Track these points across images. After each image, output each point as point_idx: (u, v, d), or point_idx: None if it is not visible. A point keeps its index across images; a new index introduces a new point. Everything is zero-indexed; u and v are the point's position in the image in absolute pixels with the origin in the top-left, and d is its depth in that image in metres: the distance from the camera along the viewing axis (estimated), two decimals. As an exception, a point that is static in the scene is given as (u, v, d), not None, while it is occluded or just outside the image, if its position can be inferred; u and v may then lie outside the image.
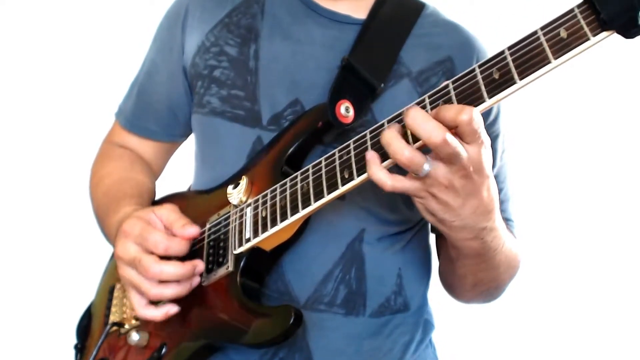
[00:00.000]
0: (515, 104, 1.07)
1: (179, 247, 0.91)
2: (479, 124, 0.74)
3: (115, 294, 1.12)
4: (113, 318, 1.09)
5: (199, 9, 1.12)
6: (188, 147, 1.18)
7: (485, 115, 1.06)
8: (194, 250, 1.01)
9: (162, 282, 0.91)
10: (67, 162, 1.90)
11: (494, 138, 1.07)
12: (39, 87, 2.19)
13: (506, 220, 1.10)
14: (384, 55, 1.04)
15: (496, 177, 1.06)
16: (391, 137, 0.75)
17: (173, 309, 0.93)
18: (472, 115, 0.73)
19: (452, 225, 0.82)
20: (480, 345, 2.12)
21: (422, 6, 1.12)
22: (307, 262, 0.99)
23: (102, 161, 1.25)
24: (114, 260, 1.23)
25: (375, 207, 1.01)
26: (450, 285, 1.10)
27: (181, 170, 1.28)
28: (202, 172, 1.13)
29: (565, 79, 1.72)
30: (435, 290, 1.13)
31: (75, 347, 1.18)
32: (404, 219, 1.04)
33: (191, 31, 1.12)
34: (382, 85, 1.01)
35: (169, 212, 0.95)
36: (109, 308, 1.12)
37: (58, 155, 2.14)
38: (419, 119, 0.73)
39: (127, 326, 1.05)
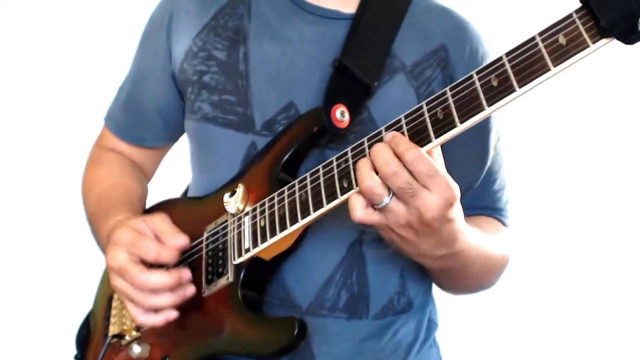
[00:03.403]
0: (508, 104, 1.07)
1: (170, 255, 0.90)
2: (431, 168, 0.76)
3: (114, 304, 1.12)
4: (113, 329, 1.08)
5: (183, 13, 1.09)
6: (185, 151, 1.16)
7: None
8: (192, 261, 1.01)
9: (154, 291, 0.90)
10: (64, 165, 1.87)
11: (487, 128, 1.06)
12: (36, 88, 2.17)
13: (499, 210, 1.10)
14: (377, 51, 1.02)
15: (491, 166, 1.07)
16: (361, 164, 0.79)
17: (172, 314, 0.91)
18: (417, 156, 0.76)
19: (411, 254, 0.85)
20: (484, 344, 2.11)
21: None
22: (307, 268, 0.98)
23: (93, 167, 1.23)
24: None
25: None
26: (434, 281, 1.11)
27: (178, 175, 1.27)
28: (198, 178, 1.12)
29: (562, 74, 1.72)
30: (438, 288, 1.12)
31: (75, 357, 1.17)
32: None
33: (177, 36, 1.09)
34: (376, 83, 1.00)
35: (159, 222, 0.94)
36: (107, 318, 1.12)
37: (55, 158, 2.12)
38: (379, 149, 0.78)
39: (127, 337, 1.05)
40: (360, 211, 0.79)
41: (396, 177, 0.76)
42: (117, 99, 1.22)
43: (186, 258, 1.02)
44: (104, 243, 1.04)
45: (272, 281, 0.98)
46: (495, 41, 1.12)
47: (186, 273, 0.92)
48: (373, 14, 1.04)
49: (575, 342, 2.13)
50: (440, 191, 0.77)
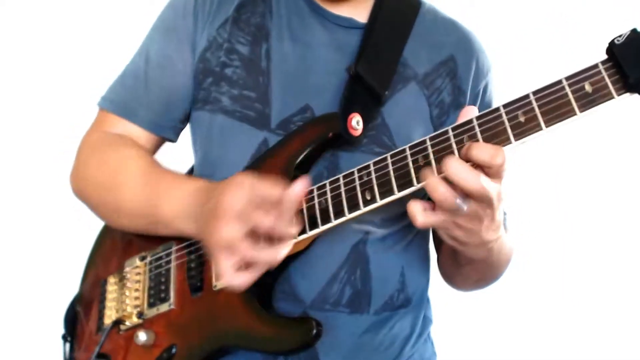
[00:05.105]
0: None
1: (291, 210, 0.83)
2: (503, 167, 0.80)
3: (110, 288, 1.12)
4: (110, 313, 1.09)
5: (209, 1, 1.10)
6: (186, 147, 1.16)
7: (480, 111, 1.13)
8: (199, 254, 1.03)
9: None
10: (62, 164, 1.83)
11: None
12: (37, 88, 2.11)
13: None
14: (387, 61, 1.07)
15: None
16: (435, 183, 0.80)
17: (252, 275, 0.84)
18: (505, 158, 0.79)
19: (472, 245, 0.89)
20: (477, 340, 2.16)
21: (419, 4, 1.15)
22: (312, 265, 1.02)
23: (106, 149, 1.10)
24: (99, 250, 1.22)
25: (380, 210, 1.05)
26: (452, 280, 1.17)
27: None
28: (202, 169, 1.12)
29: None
30: (433, 285, 1.18)
31: (64, 337, 1.17)
32: (406, 216, 1.08)
33: (201, 24, 1.09)
34: (387, 92, 1.04)
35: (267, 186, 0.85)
36: (102, 302, 1.12)
37: (55, 157, 2.05)
38: (459, 171, 0.78)
39: (128, 323, 1.07)
40: (421, 217, 0.83)
41: (484, 190, 0.79)
42: (126, 84, 1.13)
43: (194, 250, 1.04)
44: (178, 204, 0.97)
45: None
46: (495, 43, 1.19)
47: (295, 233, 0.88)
48: (383, 24, 1.08)
49: (568, 339, 2.18)
50: (503, 176, 0.82)
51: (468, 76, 1.11)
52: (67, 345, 1.17)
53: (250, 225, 0.81)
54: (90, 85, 1.20)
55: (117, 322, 1.07)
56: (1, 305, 2.08)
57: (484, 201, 0.81)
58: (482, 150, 0.79)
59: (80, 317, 1.17)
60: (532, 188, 2.09)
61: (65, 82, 2.08)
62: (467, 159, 0.80)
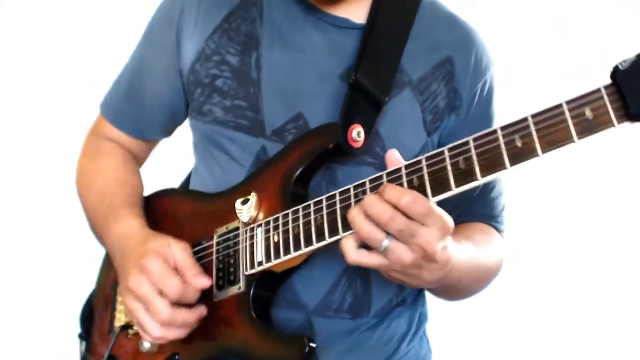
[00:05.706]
0: (509, 107, 1.10)
1: (192, 296, 0.93)
2: (426, 207, 0.79)
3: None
4: (120, 317, 1.12)
5: (195, 9, 1.08)
6: (186, 147, 1.17)
7: (479, 115, 1.10)
8: (202, 263, 1.04)
9: (167, 324, 0.91)
10: (63, 164, 1.88)
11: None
12: (36, 88, 2.15)
13: (495, 217, 1.14)
14: (387, 66, 1.04)
15: None
16: (354, 213, 0.82)
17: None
18: (410, 199, 0.78)
19: (413, 285, 0.90)
20: (471, 337, 2.16)
21: None
22: (314, 273, 1.01)
23: (92, 157, 1.22)
24: None
25: None
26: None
27: (177, 171, 1.28)
28: (203, 174, 1.13)
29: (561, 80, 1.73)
30: None
31: (80, 336, 1.21)
32: None
33: (187, 33, 1.08)
34: (387, 99, 1.01)
35: (183, 256, 0.94)
36: (113, 304, 1.15)
37: (54, 157, 2.11)
38: (371, 201, 0.80)
39: (135, 328, 1.09)
40: (353, 254, 0.84)
41: (393, 221, 0.79)
42: (116, 89, 1.21)
43: (197, 259, 1.04)
44: (112, 244, 1.06)
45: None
46: (495, 42, 1.14)
47: (204, 311, 0.95)
48: (383, 26, 1.04)
49: (561, 338, 2.17)
50: (437, 224, 0.81)
51: (466, 75, 1.07)
52: (84, 343, 1.21)
53: (161, 288, 0.90)
54: (90, 84, 1.23)
55: (125, 327, 1.10)
56: (20, 304, 2.16)
57: (409, 242, 0.80)
58: (391, 190, 0.79)
59: (94, 317, 1.21)
60: (531, 188, 2.04)
61: (65, 82, 2.11)
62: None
